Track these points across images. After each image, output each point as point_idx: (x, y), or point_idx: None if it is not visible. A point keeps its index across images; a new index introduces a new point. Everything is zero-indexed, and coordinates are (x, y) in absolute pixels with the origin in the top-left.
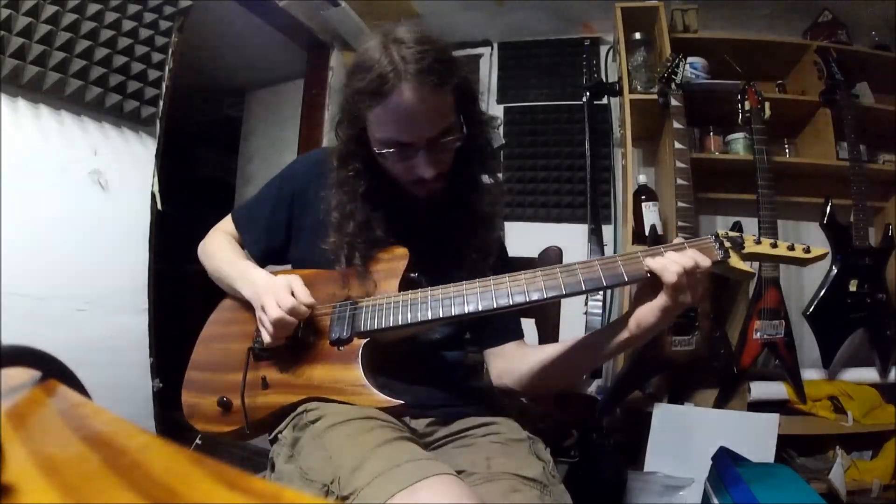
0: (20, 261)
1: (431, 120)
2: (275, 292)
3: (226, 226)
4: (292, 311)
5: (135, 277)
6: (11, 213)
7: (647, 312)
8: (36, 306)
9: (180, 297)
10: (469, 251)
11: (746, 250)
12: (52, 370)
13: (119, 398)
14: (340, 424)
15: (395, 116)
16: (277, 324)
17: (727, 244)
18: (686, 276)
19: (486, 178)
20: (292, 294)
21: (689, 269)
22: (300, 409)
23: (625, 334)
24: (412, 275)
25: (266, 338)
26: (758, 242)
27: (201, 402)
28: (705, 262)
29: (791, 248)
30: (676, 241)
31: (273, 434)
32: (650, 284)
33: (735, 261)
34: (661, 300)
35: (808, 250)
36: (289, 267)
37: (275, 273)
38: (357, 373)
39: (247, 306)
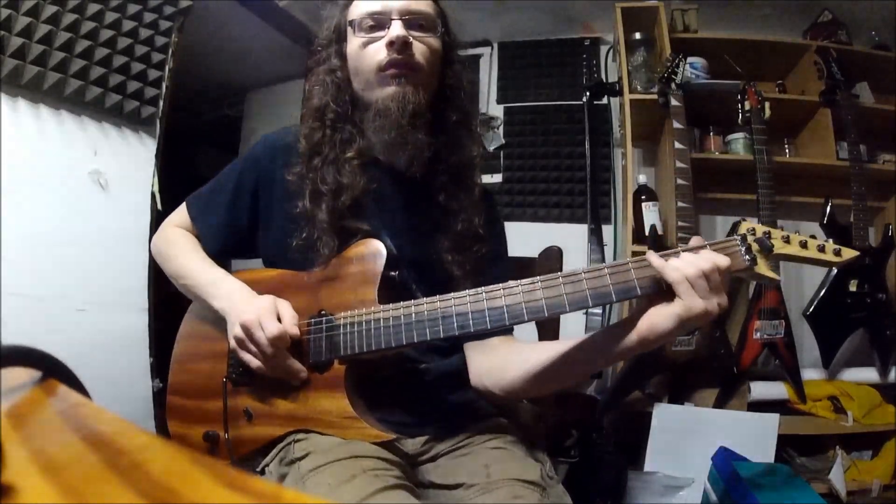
0: (20, 261)
1: None
2: (262, 318)
3: (180, 218)
4: (277, 340)
5: (135, 277)
6: (11, 213)
7: (661, 317)
8: (36, 306)
9: (180, 297)
10: (454, 229)
11: (776, 251)
12: (52, 370)
13: (119, 398)
14: (324, 468)
15: None
16: (271, 351)
17: (755, 248)
18: (700, 278)
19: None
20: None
21: (706, 270)
22: (288, 439)
23: (633, 337)
24: (392, 273)
25: (255, 363)
26: (786, 241)
27: (188, 434)
28: (724, 261)
29: (821, 249)
30: (695, 240)
31: (260, 466)
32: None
33: (762, 267)
34: (675, 306)
35: (838, 252)
36: (253, 265)
37: (236, 273)
38: (343, 404)
39: (214, 320)
